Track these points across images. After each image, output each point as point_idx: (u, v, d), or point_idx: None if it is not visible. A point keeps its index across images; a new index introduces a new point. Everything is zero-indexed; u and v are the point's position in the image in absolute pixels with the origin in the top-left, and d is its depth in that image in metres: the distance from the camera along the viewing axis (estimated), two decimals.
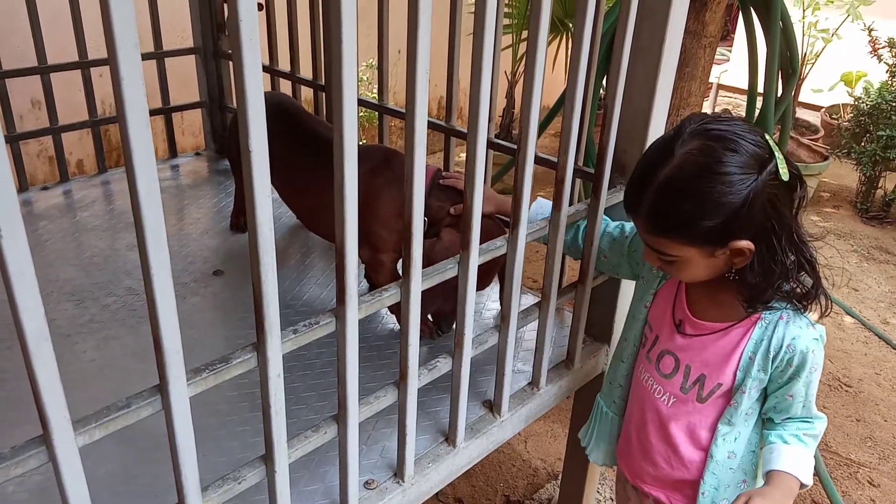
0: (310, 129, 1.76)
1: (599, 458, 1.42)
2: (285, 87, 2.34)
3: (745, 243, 1.05)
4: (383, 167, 1.57)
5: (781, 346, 1.11)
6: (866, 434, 2.52)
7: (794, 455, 1.14)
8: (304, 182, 1.69)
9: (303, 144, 1.73)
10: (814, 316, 1.13)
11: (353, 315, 0.98)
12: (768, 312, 1.12)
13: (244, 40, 0.72)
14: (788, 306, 1.12)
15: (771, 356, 1.12)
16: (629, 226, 1.38)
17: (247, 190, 0.80)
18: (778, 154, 1.04)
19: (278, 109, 1.83)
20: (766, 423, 1.20)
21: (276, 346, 0.90)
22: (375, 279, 1.66)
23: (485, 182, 1.87)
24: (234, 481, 0.97)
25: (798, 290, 1.11)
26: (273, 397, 0.92)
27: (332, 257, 1.86)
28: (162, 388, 0.83)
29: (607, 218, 1.45)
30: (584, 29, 1.16)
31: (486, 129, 1.06)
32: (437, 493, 2.14)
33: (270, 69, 2.34)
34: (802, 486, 1.13)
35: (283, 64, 2.32)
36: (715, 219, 1.02)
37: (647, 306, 1.28)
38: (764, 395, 1.18)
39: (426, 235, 1.56)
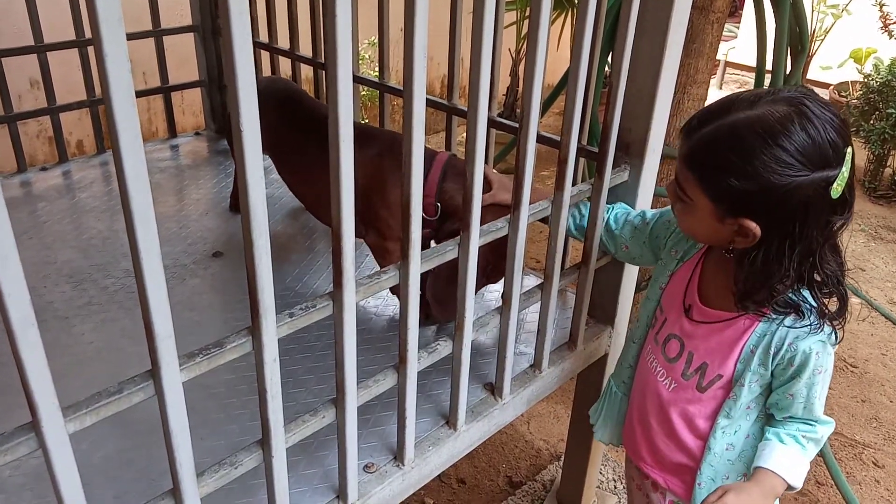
0: (313, 114, 1.72)
1: (606, 436, 1.41)
2: (284, 64, 2.31)
3: (755, 226, 1.00)
4: (391, 151, 1.53)
5: (783, 345, 1.07)
6: (872, 415, 2.51)
7: (786, 455, 1.11)
8: (308, 168, 1.66)
9: (306, 130, 1.70)
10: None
11: (350, 298, 0.96)
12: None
13: (233, 14, 0.69)
14: (792, 319, 1.07)
15: (772, 352, 1.08)
16: (650, 213, 1.35)
17: (238, 171, 0.78)
18: (846, 170, 0.97)
19: (282, 95, 1.79)
20: (768, 418, 1.17)
21: (272, 331, 0.88)
22: (382, 266, 1.63)
23: (487, 162, 1.85)
24: (231, 466, 0.95)
25: (816, 305, 1.07)
26: (269, 381, 0.91)
27: None
28: (154, 374, 0.81)
29: (628, 207, 1.42)
30: (588, 4, 1.13)
31: (486, 107, 1.03)
32: (439, 475, 2.14)
33: (269, 47, 2.30)
34: (790, 487, 1.10)
35: (283, 42, 2.28)
36: (747, 183, 0.97)
37: (661, 287, 1.25)
38: (769, 390, 1.14)
39: (440, 224, 1.53)
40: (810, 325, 1.06)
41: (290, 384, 1.44)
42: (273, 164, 1.84)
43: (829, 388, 2.56)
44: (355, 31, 2.19)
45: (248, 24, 0.71)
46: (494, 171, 1.58)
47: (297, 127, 1.71)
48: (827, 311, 1.06)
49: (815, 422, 1.13)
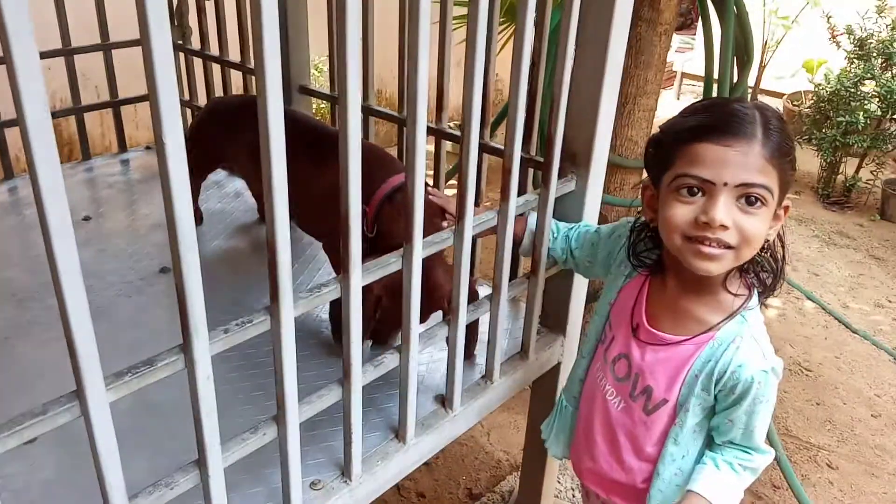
0: (302, 127, 1.71)
1: (559, 451, 1.40)
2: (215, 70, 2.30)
3: (788, 201, 1.06)
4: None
5: (726, 371, 1.07)
6: (825, 417, 2.55)
7: (718, 481, 1.11)
8: (294, 183, 1.62)
9: (296, 143, 1.66)
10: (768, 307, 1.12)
11: (287, 313, 0.95)
12: (723, 332, 1.08)
13: (152, 24, 0.68)
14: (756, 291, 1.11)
15: (715, 378, 1.08)
16: (603, 228, 1.35)
17: (163, 184, 0.76)
18: None
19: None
20: (709, 441, 1.17)
21: (204, 348, 0.86)
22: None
23: (439, 176, 1.85)
24: (166, 487, 0.93)
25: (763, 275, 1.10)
26: (203, 400, 0.89)
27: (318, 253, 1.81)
28: (79, 394, 0.79)
29: (590, 225, 1.43)
30: (527, 15, 1.14)
31: (424, 117, 1.02)
32: (398, 489, 2.13)
33: (202, 53, 2.30)
34: None
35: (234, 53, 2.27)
36: (794, 162, 1.03)
37: (610, 303, 1.24)
38: (713, 413, 1.14)
39: (374, 243, 1.52)
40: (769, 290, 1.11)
41: (240, 401, 1.41)
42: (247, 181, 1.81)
43: (785, 392, 2.63)
44: (307, 45, 2.19)
45: (168, 30, 0.69)
46: (447, 198, 1.53)
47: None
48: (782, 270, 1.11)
49: (754, 450, 1.13)
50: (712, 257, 1.01)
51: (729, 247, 1.00)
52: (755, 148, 0.97)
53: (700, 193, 1.00)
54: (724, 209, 0.98)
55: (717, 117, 1.01)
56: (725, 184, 0.98)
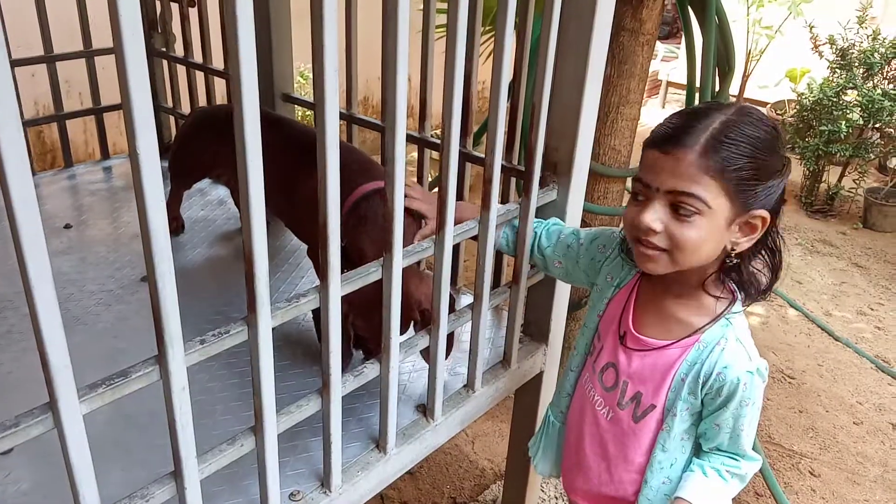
0: (290, 132, 1.70)
1: (546, 469, 1.39)
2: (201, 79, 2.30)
3: (766, 213, 1.02)
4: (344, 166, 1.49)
5: (712, 373, 1.07)
6: (808, 425, 2.56)
7: (706, 488, 1.11)
8: (283, 189, 1.60)
9: (286, 148, 1.64)
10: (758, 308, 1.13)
11: (265, 323, 0.94)
12: (708, 334, 1.09)
13: (124, 27, 0.67)
14: (741, 296, 1.10)
15: (701, 381, 1.08)
16: (584, 232, 1.33)
17: (136, 193, 0.76)
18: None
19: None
20: (697, 449, 1.17)
21: (179, 359, 0.86)
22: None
23: (421, 184, 1.84)
24: (142, 499, 0.92)
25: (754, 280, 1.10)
26: (178, 411, 0.88)
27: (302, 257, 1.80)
28: (52, 406, 0.78)
29: (561, 223, 1.41)
30: (506, 23, 1.14)
31: (404, 125, 1.02)
32: (382, 498, 2.11)
33: (185, 61, 2.29)
34: None
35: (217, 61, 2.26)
36: (766, 170, 1.00)
37: (599, 315, 1.23)
38: (700, 420, 1.14)
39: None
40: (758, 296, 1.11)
41: (219, 411, 1.40)
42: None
43: (768, 399, 2.63)
44: (290, 53, 2.18)
45: (141, 39, 0.69)
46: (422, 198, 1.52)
47: (275, 141, 1.65)
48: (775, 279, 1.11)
49: (741, 456, 1.13)
50: (649, 258, 1.05)
51: (663, 250, 1.03)
52: (689, 157, 0.99)
53: (644, 197, 1.04)
54: (652, 213, 1.02)
55: (667, 125, 1.04)
56: (658, 189, 1.01)
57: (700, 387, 1.09)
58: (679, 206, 1.00)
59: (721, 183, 0.98)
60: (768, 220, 1.03)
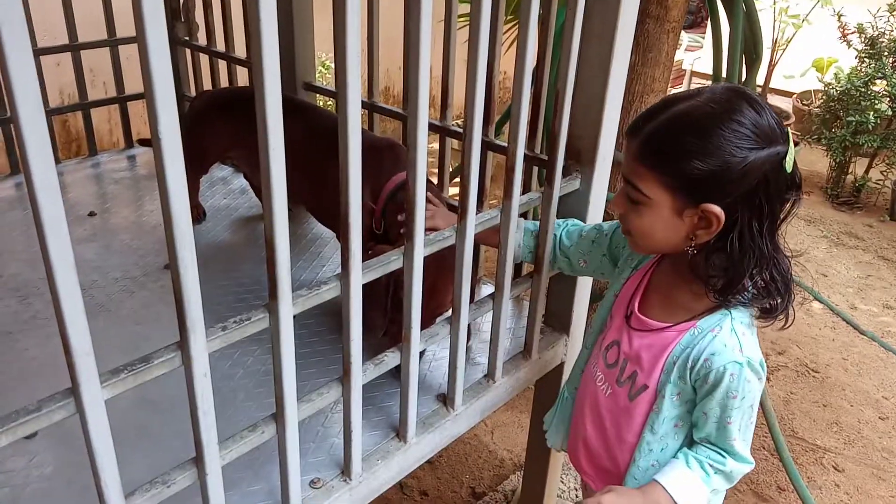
0: (317, 120, 1.69)
1: (557, 442, 1.39)
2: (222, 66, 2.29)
3: (719, 210, 0.99)
4: (371, 151, 1.49)
5: (699, 359, 1.06)
6: (832, 419, 2.52)
7: (686, 478, 1.10)
8: (306, 177, 1.60)
9: (314, 136, 1.64)
10: (778, 324, 1.09)
11: (286, 310, 0.94)
12: (705, 321, 1.08)
13: (146, 14, 0.67)
14: (750, 308, 1.08)
15: (689, 366, 1.08)
16: (606, 225, 1.33)
17: (159, 180, 0.75)
18: (792, 147, 1.00)
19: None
20: (690, 441, 1.16)
21: (201, 345, 0.86)
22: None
23: (443, 174, 1.83)
24: (163, 485, 0.93)
25: (765, 296, 1.07)
26: (200, 398, 0.88)
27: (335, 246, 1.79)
28: (74, 392, 0.78)
29: (580, 222, 1.40)
30: (531, 11, 1.13)
31: (426, 113, 1.01)
32: (401, 487, 2.12)
33: (208, 50, 2.29)
34: None
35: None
36: (708, 163, 0.97)
37: (616, 294, 1.24)
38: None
39: (383, 240, 1.50)
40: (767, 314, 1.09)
41: (241, 398, 1.41)
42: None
43: (791, 393, 2.60)
44: (312, 42, 2.18)
45: (164, 25, 0.69)
46: (447, 199, 1.53)
47: (301, 130, 1.64)
48: (788, 299, 1.08)
49: (729, 454, 1.11)
50: (626, 238, 1.15)
51: (629, 233, 1.11)
52: (633, 147, 1.05)
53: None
54: (618, 199, 1.10)
55: (640, 114, 1.08)
56: (621, 176, 1.09)
57: (689, 372, 1.08)
58: (629, 194, 1.06)
59: (658, 175, 1.01)
60: (722, 217, 1.00)
